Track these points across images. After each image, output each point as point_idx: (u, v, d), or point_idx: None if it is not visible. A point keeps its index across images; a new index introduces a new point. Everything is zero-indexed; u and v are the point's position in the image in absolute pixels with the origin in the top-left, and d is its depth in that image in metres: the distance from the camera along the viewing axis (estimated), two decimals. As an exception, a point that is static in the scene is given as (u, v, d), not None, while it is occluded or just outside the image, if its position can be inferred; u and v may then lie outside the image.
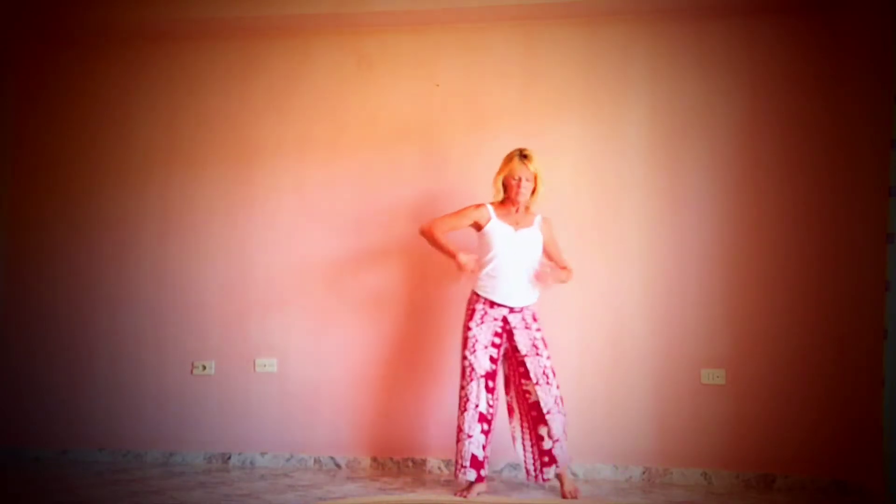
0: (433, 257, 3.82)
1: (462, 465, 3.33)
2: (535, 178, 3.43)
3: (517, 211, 3.46)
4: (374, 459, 3.91)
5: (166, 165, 4.16)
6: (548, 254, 3.54)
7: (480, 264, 3.41)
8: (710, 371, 3.71)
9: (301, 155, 4.07)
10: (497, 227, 3.41)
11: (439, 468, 3.82)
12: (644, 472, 3.71)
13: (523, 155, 3.42)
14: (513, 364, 3.45)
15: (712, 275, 3.74)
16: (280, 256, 4.05)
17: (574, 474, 3.73)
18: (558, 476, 3.42)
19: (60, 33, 4.20)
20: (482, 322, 3.39)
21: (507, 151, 3.74)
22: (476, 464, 3.34)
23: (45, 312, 4.19)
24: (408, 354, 3.92)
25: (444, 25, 4.00)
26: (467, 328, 3.41)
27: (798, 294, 3.66)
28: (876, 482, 3.22)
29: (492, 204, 3.48)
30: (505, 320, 3.40)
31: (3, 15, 4.05)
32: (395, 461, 3.89)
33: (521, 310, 3.42)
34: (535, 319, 3.43)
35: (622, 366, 3.77)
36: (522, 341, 3.39)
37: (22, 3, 3.99)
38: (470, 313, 3.42)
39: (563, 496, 3.37)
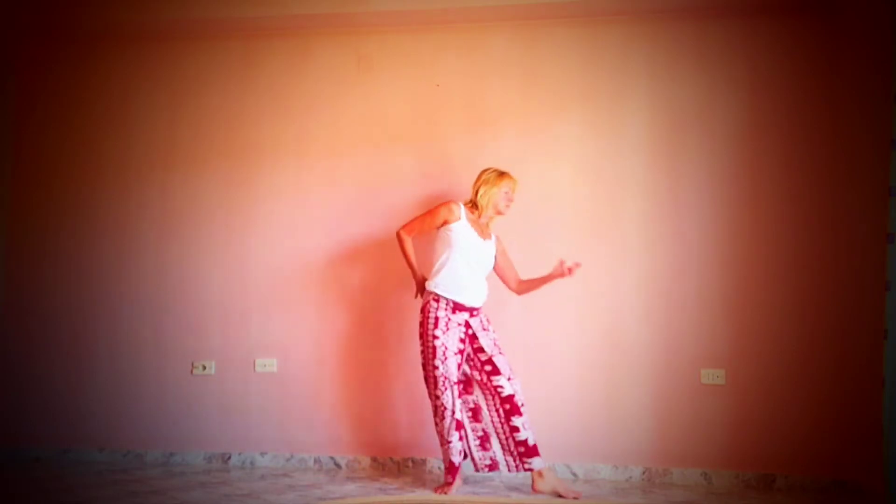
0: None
1: (456, 466, 3.43)
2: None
3: (481, 221, 3.56)
4: (374, 459, 3.92)
5: (166, 165, 4.16)
6: (502, 268, 3.62)
7: (443, 263, 3.48)
8: (709, 371, 3.71)
9: (301, 155, 4.08)
10: (465, 229, 3.47)
11: (439, 468, 3.82)
12: (644, 472, 3.71)
13: (508, 174, 3.57)
14: (477, 365, 3.51)
15: (712, 275, 3.74)
16: (280, 256, 4.06)
17: (574, 474, 3.74)
18: (539, 472, 3.42)
19: (61, 33, 4.20)
20: (447, 329, 3.42)
21: (507, 151, 3.77)
22: (453, 470, 3.41)
23: (46, 312, 4.19)
24: (408, 354, 3.92)
25: (444, 25, 4.00)
26: (434, 336, 3.40)
27: (798, 294, 3.67)
28: (876, 482, 3.22)
29: (464, 205, 3.54)
30: (467, 324, 3.48)
31: (3, 15, 4.05)
32: (395, 461, 3.89)
33: (479, 313, 3.51)
34: (489, 322, 3.55)
35: (622, 366, 3.77)
36: (486, 343, 3.48)
37: (22, 3, 4.00)
38: (434, 321, 3.42)
39: (534, 491, 3.41)
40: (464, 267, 3.45)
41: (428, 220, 3.53)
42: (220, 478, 3.71)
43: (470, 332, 3.48)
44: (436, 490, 3.42)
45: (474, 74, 3.99)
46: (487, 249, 3.53)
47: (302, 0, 3.90)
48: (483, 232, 3.54)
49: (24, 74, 4.29)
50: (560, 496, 3.37)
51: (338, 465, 3.94)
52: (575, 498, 3.34)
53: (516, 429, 3.43)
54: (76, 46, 4.25)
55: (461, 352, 3.46)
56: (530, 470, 3.43)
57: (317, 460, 3.95)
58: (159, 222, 4.15)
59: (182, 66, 4.19)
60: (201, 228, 4.13)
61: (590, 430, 3.76)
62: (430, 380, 3.43)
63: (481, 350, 3.47)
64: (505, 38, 3.97)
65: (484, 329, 3.51)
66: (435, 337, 3.40)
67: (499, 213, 3.56)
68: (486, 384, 3.49)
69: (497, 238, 3.63)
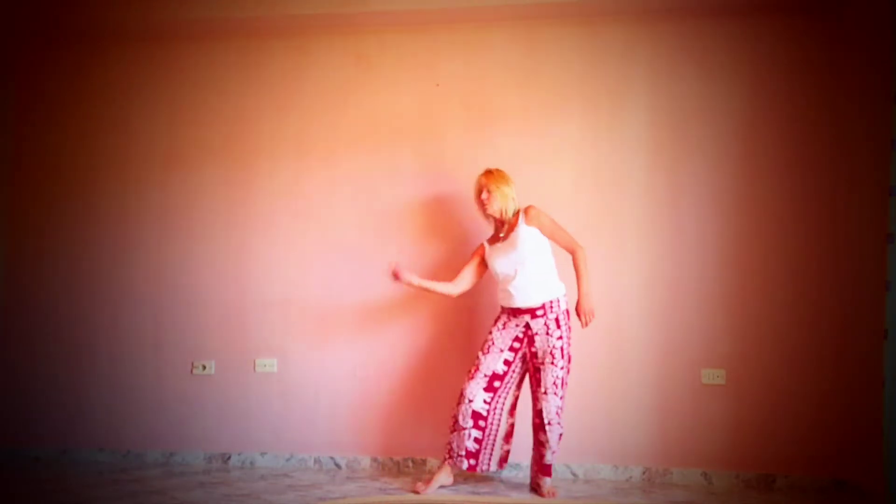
0: (433, 258, 3.83)
1: (459, 455, 3.44)
2: (497, 189, 3.48)
3: (502, 225, 3.54)
4: (374, 459, 3.92)
5: (166, 165, 4.17)
6: (555, 240, 3.51)
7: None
8: (710, 371, 3.71)
9: (300, 155, 4.08)
10: (490, 252, 3.55)
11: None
12: (644, 472, 3.71)
13: (485, 171, 3.54)
14: (531, 370, 3.49)
15: (712, 275, 3.74)
16: (280, 256, 4.06)
17: (574, 474, 3.74)
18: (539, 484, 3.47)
19: (60, 33, 4.19)
20: (504, 328, 3.50)
21: (507, 151, 3.78)
22: (469, 454, 3.45)
23: (46, 312, 4.19)
24: (407, 354, 3.92)
25: (444, 25, 4.00)
26: (490, 332, 3.54)
27: (798, 294, 3.67)
28: (876, 482, 3.22)
29: (487, 240, 3.60)
30: (527, 326, 3.46)
31: (3, 15, 4.05)
32: (395, 461, 3.89)
33: (544, 314, 3.43)
34: (558, 326, 3.42)
35: (622, 366, 3.77)
36: (541, 348, 3.42)
37: (22, 3, 4.00)
38: (496, 320, 3.56)
39: (543, 496, 3.42)
40: (502, 278, 3.48)
41: (474, 264, 3.61)
42: (220, 478, 3.71)
43: (529, 333, 3.45)
44: (415, 488, 3.43)
45: (474, 74, 3.99)
46: (512, 247, 3.45)
47: (302, 0, 3.90)
48: (507, 231, 3.50)
49: (24, 75, 4.29)
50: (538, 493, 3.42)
51: (338, 465, 3.94)
52: (548, 495, 3.39)
53: (542, 444, 3.42)
54: (76, 47, 4.24)
55: (514, 350, 3.48)
56: (540, 487, 3.44)
57: (317, 460, 3.95)
58: (159, 222, 4.15)
59: (182, 66, 4.19)
60: (201, 228, 4.13)
61: (590, 429, 3.76)
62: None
63: (535, 355, 3.44)
64: (505, 38, 3.97)
65: (547, 333, 3.41)
66: (490, 332, 3.53)
67: (487, 216, 3.56)
68: (533, 391, 3.47)
69: (526, 213, 3.46)
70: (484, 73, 3.98)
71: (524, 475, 3.72)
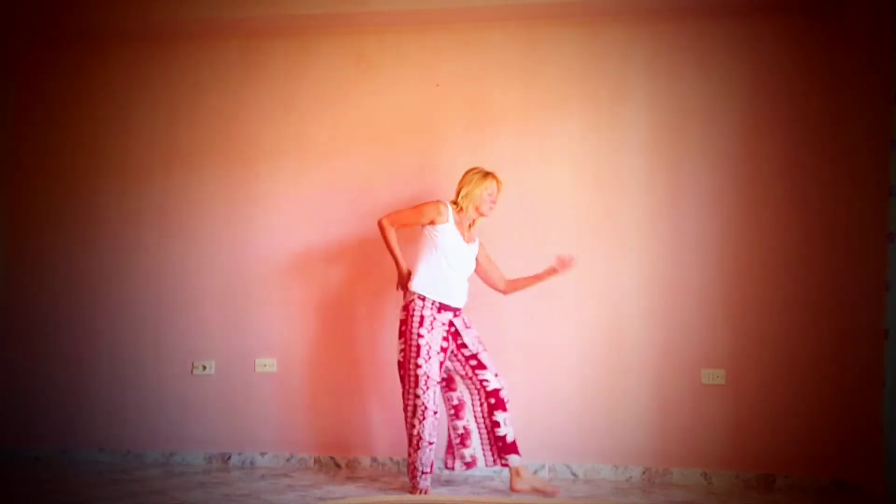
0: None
1: (424, 472, 3.37)
2: None
3: (466, 223, 3.53)
4: (374, 459, 3.92)
5: (166, 165, 4.17)
6: (485, 270, 3.59)
7: (428, 263, 3.45)
8: (710, 371, 3.71)
9: (300, 155, 4.08)
10: (452, 232, 3.45)
11: (439, 468, 3.81)
12: (644, 472, 3.71)
13: (494, 174, 3.50)
14: (461, 361, 3.49)
15: (712, 275, 3.74)
16: (280, 256, 4.06)
17: (574, 474, 3.74)
18: (517, 470, 3.43)
19: (61, 33, 4.20)
20: (432, 328, 3.40)
21: (507, 151, 3.76)
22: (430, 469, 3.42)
23: (45, 312, 4.19)
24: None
25: (445, 25, 4.00)
26: (419, 335, 3.37)
27: (798, 294, 3.67)
28: (876, 482, 3.22)
29: (452, 204, 3.50)
30: (450, 323, 3.47)
31: (3, 15, 4.05)
32: (395, 461, 3.89)
33: (461, 314, 3.52)
34: (470, 321, 3.55)
35: (622, 366, 3.77)
36: (469, 340, 3.48)
37: (22, 3, 4.00)
38: (420, 320, 3.38)
39: (513, 490, 3.41)
40: (447, 268, 3.43)
41: (413, 216, 3.46)
42: (220, 478, 3.71)
43: (453, 329, 3.48)
44: (417, 492, 3.38)
45: (474, 74, 3.99)
46: (469, 253, 3.51)
47: (302, 0, 3.90)
48: (467, 235, 3.52)
49: (24, 75, 4.29)
50: (539, 492, 3.39)
51: (338, 465, 3.94)
52: (553, 493, 3.36)
53: (497, 424, 3.42)
54: (76, 47, 4.24)
55: (444, 350, 3.44)
56: (507, 466, 3.44)
57: (317, 460, 3.95)
58: (159, 222, 4.15)
59: (182, 66, 4.19)
60: (201, 228, 4.13)
61: (590, 430, 3.76)
62: (410, 378, 3.38)
63: (465, 346, 3.47)
64: (505, 38, 3.97)
65: (466, 327, 3.51)
66: (420, 336, 3.37)
67: (481, 214, 3.49)
68: (471, 378, 3.47)
69: (481, 245, 3.59)
70: (484, 73, 3.98)
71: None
